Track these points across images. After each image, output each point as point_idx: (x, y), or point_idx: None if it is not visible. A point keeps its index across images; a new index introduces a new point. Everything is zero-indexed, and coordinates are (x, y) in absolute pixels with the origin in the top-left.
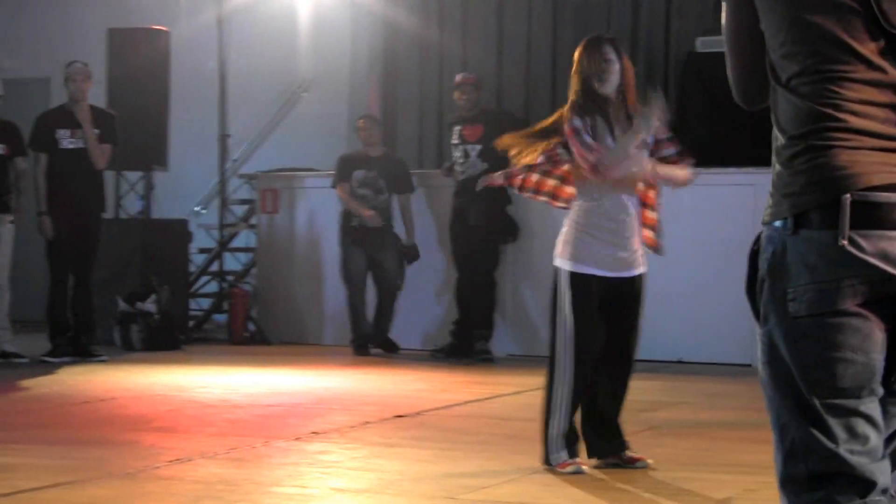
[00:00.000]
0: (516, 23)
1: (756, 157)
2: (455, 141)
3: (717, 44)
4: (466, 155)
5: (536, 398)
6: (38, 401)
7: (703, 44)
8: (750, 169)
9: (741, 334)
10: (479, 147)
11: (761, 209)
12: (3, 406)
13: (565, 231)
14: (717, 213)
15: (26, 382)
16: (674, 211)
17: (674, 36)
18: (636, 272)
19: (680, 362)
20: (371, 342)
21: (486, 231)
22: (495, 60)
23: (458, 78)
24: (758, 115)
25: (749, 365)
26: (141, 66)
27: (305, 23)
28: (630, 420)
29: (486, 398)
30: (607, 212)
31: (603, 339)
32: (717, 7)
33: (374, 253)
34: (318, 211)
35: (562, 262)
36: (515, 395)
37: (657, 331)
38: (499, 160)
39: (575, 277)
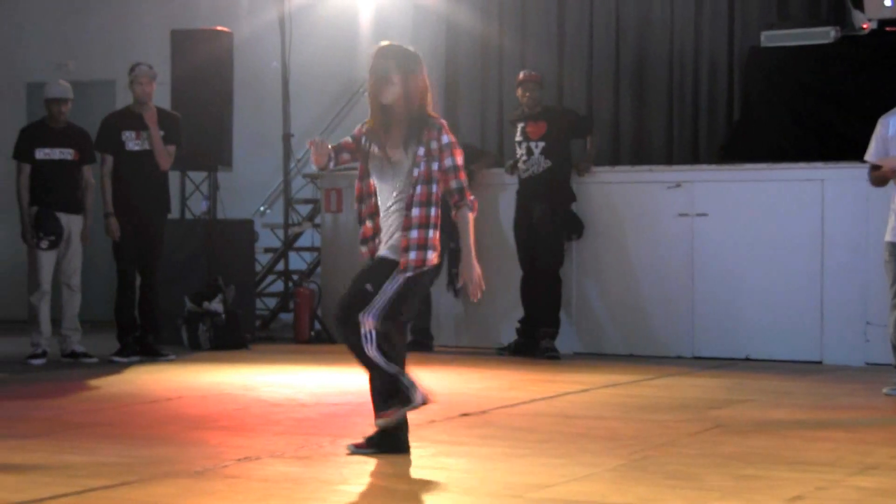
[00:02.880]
0: (577, 20)
1: (821, 152)
2: (518, 138)
3: (781, 38)
4: (530, 152)
5: (603, 396)
6: (106, 400)
7: (767, 38)
8: (817, 164)
9: (809, 331)
10: (542, 144)
11: (829, 205)
12: (71, 405)
13: None
14: (783, 210)
15: (95, 382)
16: (739, 208)
17: (737, 31)
18: None
19: (747, 360)
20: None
21: (551, 228)
22: (555, 58)
23: (522, 75)
24: (822, 111)
25: (819, 362)
26: (204, 66)
27: (367, 22)
28: (697, 418)
29: (552, 396)
30: None
31: None
32: (781, 1)
33: None
34: None
35: None
36: (581, 393)
37: (725, 328)
38: (562, 157)
39: None
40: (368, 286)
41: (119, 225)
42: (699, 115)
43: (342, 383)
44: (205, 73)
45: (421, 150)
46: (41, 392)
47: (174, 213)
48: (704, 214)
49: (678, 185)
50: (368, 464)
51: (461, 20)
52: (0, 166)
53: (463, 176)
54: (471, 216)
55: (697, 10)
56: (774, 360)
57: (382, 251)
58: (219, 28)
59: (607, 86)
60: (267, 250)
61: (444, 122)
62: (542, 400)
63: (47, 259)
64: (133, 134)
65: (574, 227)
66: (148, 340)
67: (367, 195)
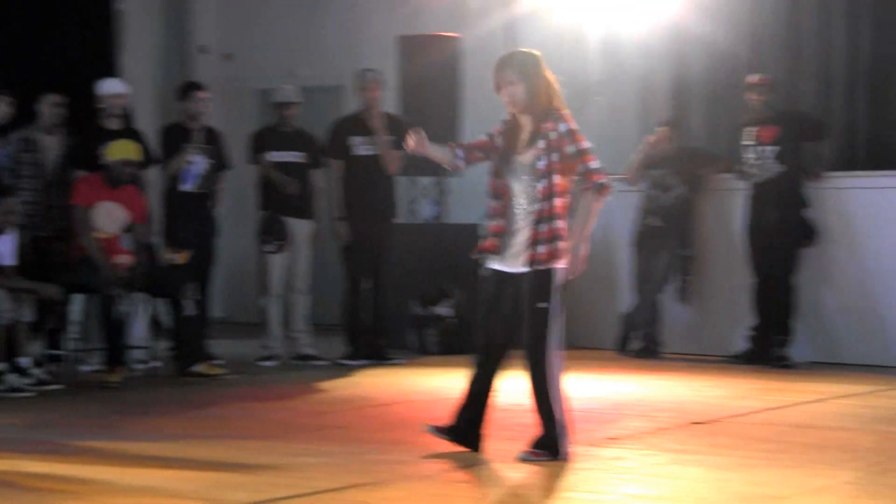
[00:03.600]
0: (809, 21)
1: None
2: (749, 143)
3: None
4: (761, 157)
5: (838, 406)
6: (336, 403)
7: None
8: None
9: None
10: (774, 148)
11: None
12: (302, 408)
13: None
14: None
15: (324, 385)
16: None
17: None
18: None
19: None
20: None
21: (784, 235)
22: (787, 61)
23: (753, 79)
24: None
25: None
26: (432, 71)
27: (595, 27)
28: None
29: (786, 406)
30: None
31: None
32: None
33: (649, 257)
34: (612, 214)
35: None
36: (816, 402)
37: None
38: (794, 162)
39: None
40: (540, 303)
41: (348, 229)
42: None
43: (571, 389)
44: (433, 77)
45: (542, 143)
46: (272, 394)
47: (401, 218)
48: None
49: None
50: (596, 471)
51: (691, 24)
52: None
53: (590, 159)
54: (597, 202)
55: None
56: None
57: (510, 265)
58: (446, 33)
59: (841, 88)
60: None
61: (566, 111)
62: (775, 409)
63: (277, 262)
64: (361, 139)
65: (807, 233)
66: (377, 344)
67: (498, 193)
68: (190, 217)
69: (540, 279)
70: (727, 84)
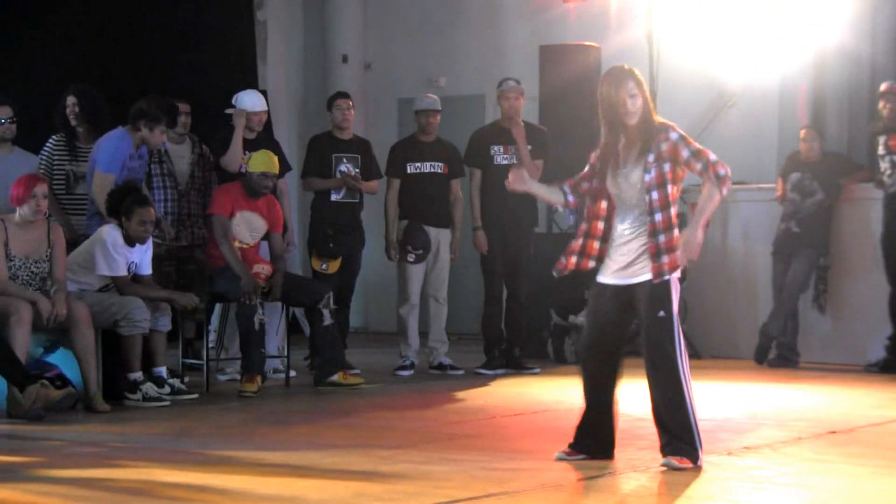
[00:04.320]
0: None
1: None
2: (881, 152)
3: None
4: (894, 165)
5: None
6: (473, 412)
7: None
8: None
9: None
10: None
11: None
12: (438, 417)
13: None
14: None
15: (461, 394)
16: None
17: None
18: None
19: None
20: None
21: None
22: None
23: (884, 87)
24: None
25: None
26: (573, 81)
27: (735, 35)
28: None
29: None
30: None
31: None
32: None
33: (787, 265)
34: (751, 223)
35: None
36: None
37: None
38: None
39: None
40: (661, 313)
41: (487, 238)
42: None
43: (707, 398)
44: (573, 87)
45: (651, 157)
46: (409, 403)
47: (541, 227)
48: None
49: None
50: (733, 481)
51: (830, 33)
52: None
53: (706, 154)
54: (718, 192)
55: None
56: None
57: (618, 277)
58: (587, 43)
59: None
60: None
61: (671, 123)
62: None
63: (416, 272)
64: (501, 148)
65: None
66: (514, 353)
67: (593, 216)
68: (339, 226)
69: (661, 289)
70: (867, 92)
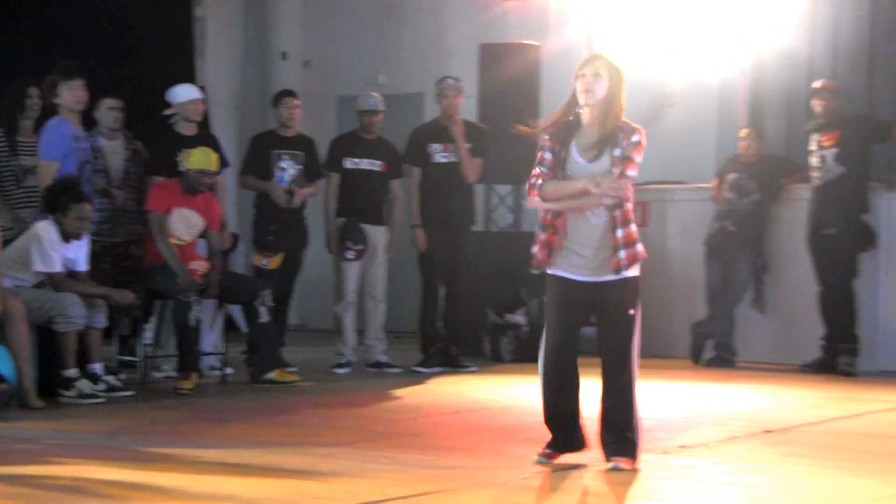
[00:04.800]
0: (887, 28)
1: None
2: (812, 148)
3: None
4: (823, 160)
5: None
6: (410, 410)
7: None
8: None
9: None
10: (835, 151)
11: None
12: (375, 415)
13: None
14: None
15: (398, 392)
16: None
17: None
18: None
19: None
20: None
21: (841, 239)
22: (864, 68)
23: (818, 84)
24: None
25: None
26: (512, 80)
27: (673, 35)
28: None
29: (857, 415)
30: None
31: None
32: None
33: (724, 266)
34: (690, 222)
35: None
36: (889, 412)
37: None
38: (857, 164)
39: None
40: (631, 311)
41: (425, 236)
42: None
43: (644, 398)
44: (513, 86)
45: (617, 152)
46: (346, 401)
47: (479, 226)
48: None
49: None
50: (669, 479)
51: (769, 33)
52: None
53: (630, 167)
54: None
55: None
56: None
57: (581, 273)
58: (527, 42)
59: None
60: None
61: (640, 128)
62: (848, 418)
63: (352, 270)
64: (440, 146)
65: (866, 237)
66: (451, 352)
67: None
68: (281, 223)
69: (629, 286)
70: (805, 93)
